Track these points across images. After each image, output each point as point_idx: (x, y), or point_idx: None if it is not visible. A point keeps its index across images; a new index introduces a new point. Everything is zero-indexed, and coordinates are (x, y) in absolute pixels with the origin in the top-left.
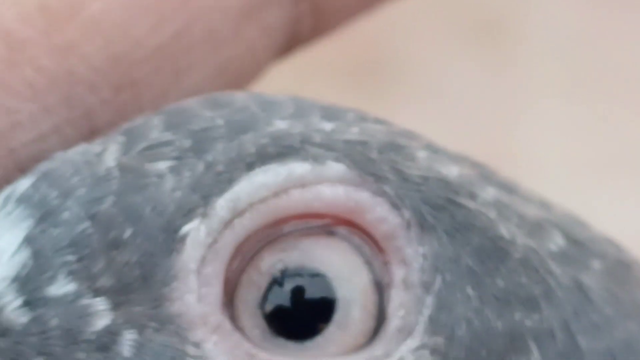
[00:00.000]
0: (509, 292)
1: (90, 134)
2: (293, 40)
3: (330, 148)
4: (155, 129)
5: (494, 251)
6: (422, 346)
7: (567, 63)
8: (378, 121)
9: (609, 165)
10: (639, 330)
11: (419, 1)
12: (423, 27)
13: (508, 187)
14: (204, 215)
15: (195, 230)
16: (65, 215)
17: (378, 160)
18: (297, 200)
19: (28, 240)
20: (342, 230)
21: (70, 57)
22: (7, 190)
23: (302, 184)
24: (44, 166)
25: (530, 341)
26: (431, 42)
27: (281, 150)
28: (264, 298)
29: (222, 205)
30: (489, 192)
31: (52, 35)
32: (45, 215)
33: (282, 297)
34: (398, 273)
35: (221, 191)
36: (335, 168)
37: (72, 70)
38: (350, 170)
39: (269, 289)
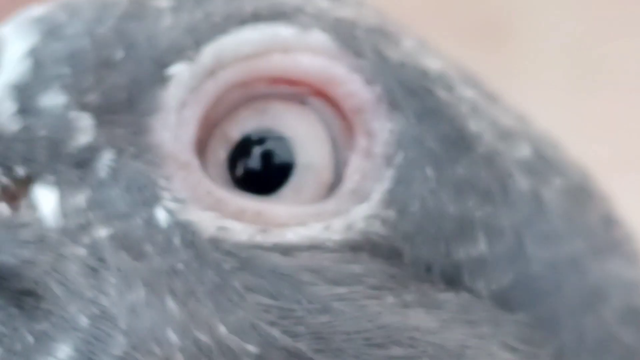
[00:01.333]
0: (467, 181)
1: None
2: None
3: (319, 19)
4: None
5: (459, 140)
6: (374, 215)
7: (567, 67)
8: (376, 11)
9: (610, 168)
10: (585, 248)
11: (418, 7)
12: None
13: (489, 95)
14: (191, 60)
15: (181, 72)
16: (69, 30)
17: (362, 38)
18: (277, 63)
19: (32, 51)
20: (313, 101)
21: None
22: (22, 15)
23: (285, 48)
24: (57, 2)
25: (478, 231)
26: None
27: (274, 14)
28: (232, 152)
29: (208, 53)
30: (467, 92)
31: None
32: (51, 30)
33: (248, 153)
34: (361, 142)
35: (211, 40)
36: (319, 37)
37: None
38: (333, 41)
39: (238, 144)
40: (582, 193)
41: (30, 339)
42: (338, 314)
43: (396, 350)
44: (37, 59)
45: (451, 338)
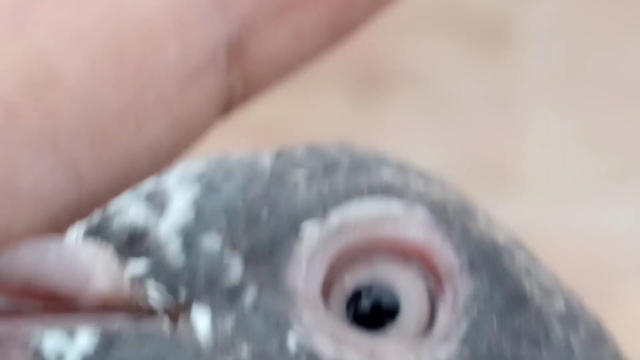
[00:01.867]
0: (521, 330)
1: (77, 177)
2: (230, 102)
3: (420, 200)
4: (299, 151)
5: (518, 300)
6: (454, 352)
7: (567, 72)
8: (453, 190)
9: (611, 175)
10: None
11: (416, 14)
12: (420, 39)
13: (533, 257)
14: (321, 221)
15: (312, 230)
16: (225, 191)
17: (452, 214)
18: (389, 230)
19: (195, 202)
20: (414, 260)
21: (56, 118)
22: (183, 165)
23: (395, 218)
24: (212, 157)
25: None
26: (430, 53)
27: (385, 190)
28: (351, 297)
29: (334, 217)
30: (521, 257)
31: (39, 101)
32: (210, 188)
33: (363, 298)
34: (448, 297)
35: (337, 207)
36: (421, 212)
37: (57, 127)
38: (431, 218)
39: (356, 292)
40: (599, 338)
41: None
42: None
43: None
44: (199, 208)
45: None
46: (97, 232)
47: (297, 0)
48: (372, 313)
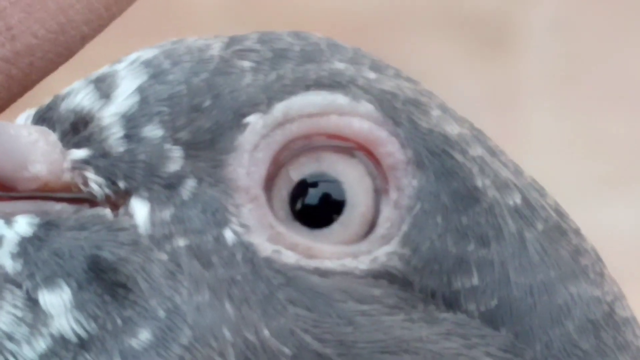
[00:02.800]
0: (469, 228)
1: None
2: None
3: (368, 92)
4: (250, 39)
5: (467, 196)
6: (394, 252)
7: (566, 73)
8: (409, 79)
9: (611, 176)
10: (555, 276)
11: (416, 14)
12: (420, 39)
13: (492, 150)
14: (264, 113)
15: (255, 122)
16: (170, 77)
17: (400, 109)
18: (333, 122)
19: (140, 89)
20: (360, 154)
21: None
22: (137, 53)
23: (341, 112)
24: (168, 44)
25: (473, 267)
26: (429, 53)
27: (333, 83)
28: (293, 190)
29: (279, 108)
30: (477, 150)
31: None
32: (156, 74)
33: (306, 191)
34: (392, 195)
35: (281, 99)
36: (367, 107)
37: None
38: (377, 111)
39: (298, 184)
40: (556, 232)
41: (119, 321)
42: (360, 326)
43: (405, 357)
44: (143, 96)
45: (448, 347)
46: (46, 115)
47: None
48: (318, 207)
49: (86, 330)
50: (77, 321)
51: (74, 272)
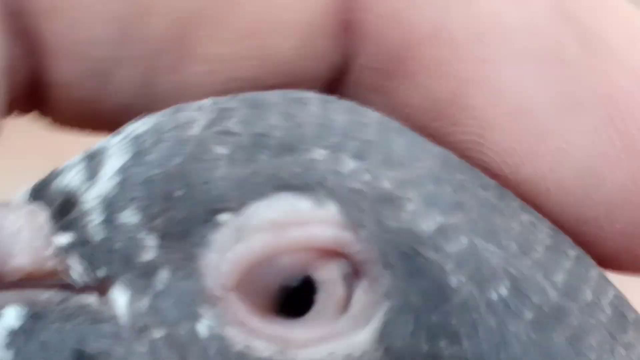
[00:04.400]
0: (439, 327)
1: None
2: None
3: (334, 193)
4: (233, 118)
5: (437, 295)
6: (367, 350)
7: None
8: (398, 165)
9: None
10: None
11: None
12: None
13: (492, 232)
14: (236, 212)
15: (226, 222)
16: (149, 158)
17: (366, 210)
18: (296, 233)
19: (121, 169)
20: (330, 256)
21: None
22: (132, 127)
23: (301, 220)
24: (167, 114)
25: None
26: None
27: (301, 185)
28: (267, 285)
29: (249, 212)
30: (459, 243)
31: None
32: (138, 153)
33: (282, 291)
34: (364, 282)
35: (252, 199)
36: (329, 211)
37: None
38: (340, 214)
39: (269, 279)
40: (551, 318)
41: None
42: None
43: None
44: (124, 177)
45: None
46: (41, 192)
47: None
48: (293, 301)
49: None
50: None
51: None
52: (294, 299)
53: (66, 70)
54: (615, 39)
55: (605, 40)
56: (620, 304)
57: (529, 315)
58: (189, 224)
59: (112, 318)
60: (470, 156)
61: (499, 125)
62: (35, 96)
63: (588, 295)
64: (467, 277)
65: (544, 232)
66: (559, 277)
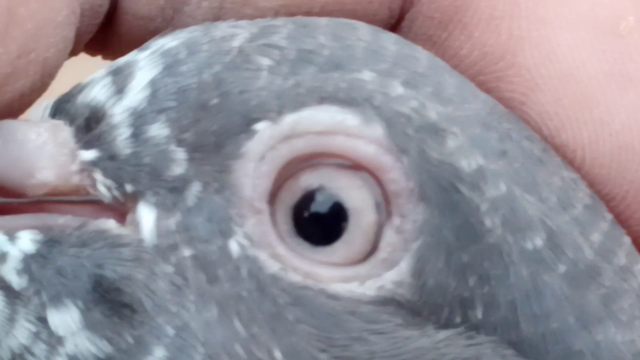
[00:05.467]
0: (470, 266)
1: None
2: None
3: (381, 113)
4: (279, 34)
5: (470, 233)
6: (400, 281)
7: None
8: (448, 101)
9: None
10: (574, 323)
11: None
12: None
13: (534, 184)
14: (274, 122)
15: (264, 130)
16: (183, 68)
17: (411, 136)
18: (339, 143)
19: (152, 82)
20: (365, 175)
21: None
22: (160, 42)
23: (348, 133)
24: (196, 30)
25: (477, 303)
26: None
27: (347, 99)
28: (296, 204)
29: (288, 121)
30: (498, 187)
31: None
32: (171, 65)
33: (309, 207)
34: (395, 220)
35: (293, 109)
36: (376, 130)
37: None
38: (386, 137)
39: (301, 199)
40: (585, 275)
41: (131, 341)
42: (374, 344)
43: None
44: (154, 89)
45: (468, 355)
46: (63, 107)
47: None
48: (320, 223)
49: (102, 350)
50: (91, 341)
51: (79, 292)
52: (324, 227)
53: (140, 0)
54: None
55: None
56: None
57: (562, 269)
58: (223, 134)
59: (134, 242)
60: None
61: (545, 87)
62: (106, 28)
63: (622, 259)
64: (501, 222)
65: (584, 190)
66: (596, 237)
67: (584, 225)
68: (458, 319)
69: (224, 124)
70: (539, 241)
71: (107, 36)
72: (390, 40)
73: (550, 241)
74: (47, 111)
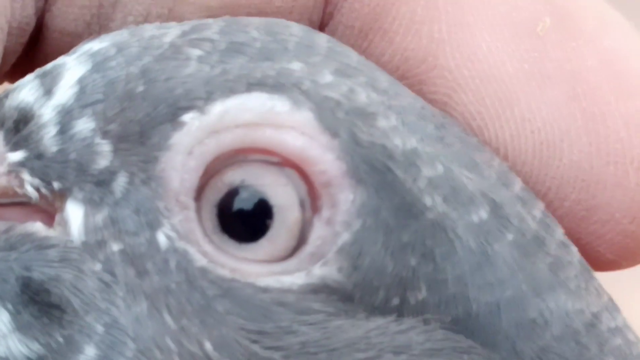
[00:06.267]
0: (410, 245)
1: None
2: None
3: (310, 97)
4: (212, 29)
5: (408, 212)
6: (330, 268)
7: None
8: (383, 92)
9: None
10: (527, 290)
11: None
12: None
13: (472, 163)
14: (201, 111)
15: (191, 122)
16: (112, 63)
17: (341, 119)
18: (267, 137)
19: (80, 79)
20: (290, 171)
21: None
22: (87, 46)
23: (276, 122)
24: (124, 33)
25: (420, 281)
26: None
27: (276, 84)
28: (221, 201)
29: (215, 110)
30: (434, 167)
31: None
32: (100, 62)
33: (233, 205)
34: (325, 213)
35: (220, 96)
36: (305, 115)
37: None
38: (315, 120)
39: (226, 196)
40: (533, 244)
41: (62, 340)
42: (303, 334)
43: (354, 355)
44: (82, 85)
45: (400, 344)
46: None
47: None
48: (245, 220)
49: (33, 352)
50: (22, 343)
51: (8, 295)
52: (248, 225)
53: (67, 17)
54: (587, 22)
55: (577, 21)
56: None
57: (510, 237)
58: (148, 124)
59: (61, 242)
60: None
61: (467, 88)
62: (31, 47)
63: (560, 235)
64: (442, 199)
65: (517, 177)
66: (537, 213)
67: (524, 201)
68: (396, 301)
69: (149, 113)
70: (483, 213)
71: (32, 56)
72: (323, 39)
73: (495, 212)
74: None
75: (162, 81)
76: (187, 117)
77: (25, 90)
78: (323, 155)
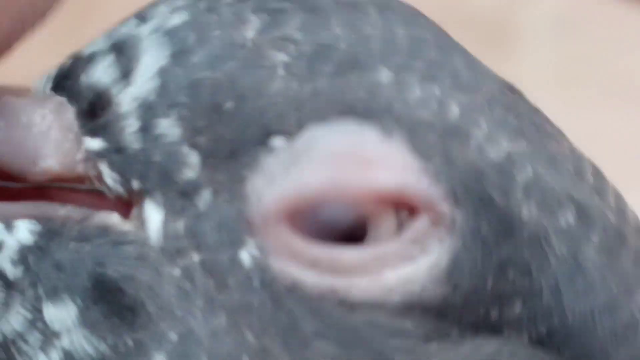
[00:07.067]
0: (509, 260)
1: None
2: None
3: (401, 123)
4: (292, 25)
5: (507, 228)
6: (431, 287)
7: (568, 73)
8: (465, 88)
9: (613, 177)
10: (618, 291)
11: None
12: None
13: (551, 158)
14: (292, 136)
15: (281, 147)
16: (194, 59)
17: (433, 143)
18: (356, 179)
19: (161, 71)
20: (387, 202)
21: None
22: (160, 13)
23: (366, 157)
24: (196, 11)
25: (516, 298)
26: None
27: (366, 111)
28: (309, 221)
29: (305, 139)
30: (526, 170)
31: None
32: (179, 52)
33: (325, 227)
34: (422, 219)
35: (311, 122)
36: (396, 146)
37: None
38: (408, 148)
39: (315, 216)
40: (617, 241)
41: (131, 344)
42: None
43: None
44: (163, 80)
45: None
46: (66, 83)
47: None
48: (338, 237)
49: (98, 351)
50: (87, 340)
51: (78, 289)
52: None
53: None
54: None
55: None
56: None
57: (596, 239)
58: (239, 143)
59: (139, 239)
60: None
61: None
62: None
63: (633, 218)
64: (536, 206)
65: (585, 155)
66: (611, 200)
67: (598, 190)
68: (495, 316)
69: (240, 134)
70: (570, 217)
71: None
72: (400, 25)
73: (580, 214)
74: (49, 85)
75: (252, 99)
76: (277, 141)
77: (102, 67)
78: (419, 183)
